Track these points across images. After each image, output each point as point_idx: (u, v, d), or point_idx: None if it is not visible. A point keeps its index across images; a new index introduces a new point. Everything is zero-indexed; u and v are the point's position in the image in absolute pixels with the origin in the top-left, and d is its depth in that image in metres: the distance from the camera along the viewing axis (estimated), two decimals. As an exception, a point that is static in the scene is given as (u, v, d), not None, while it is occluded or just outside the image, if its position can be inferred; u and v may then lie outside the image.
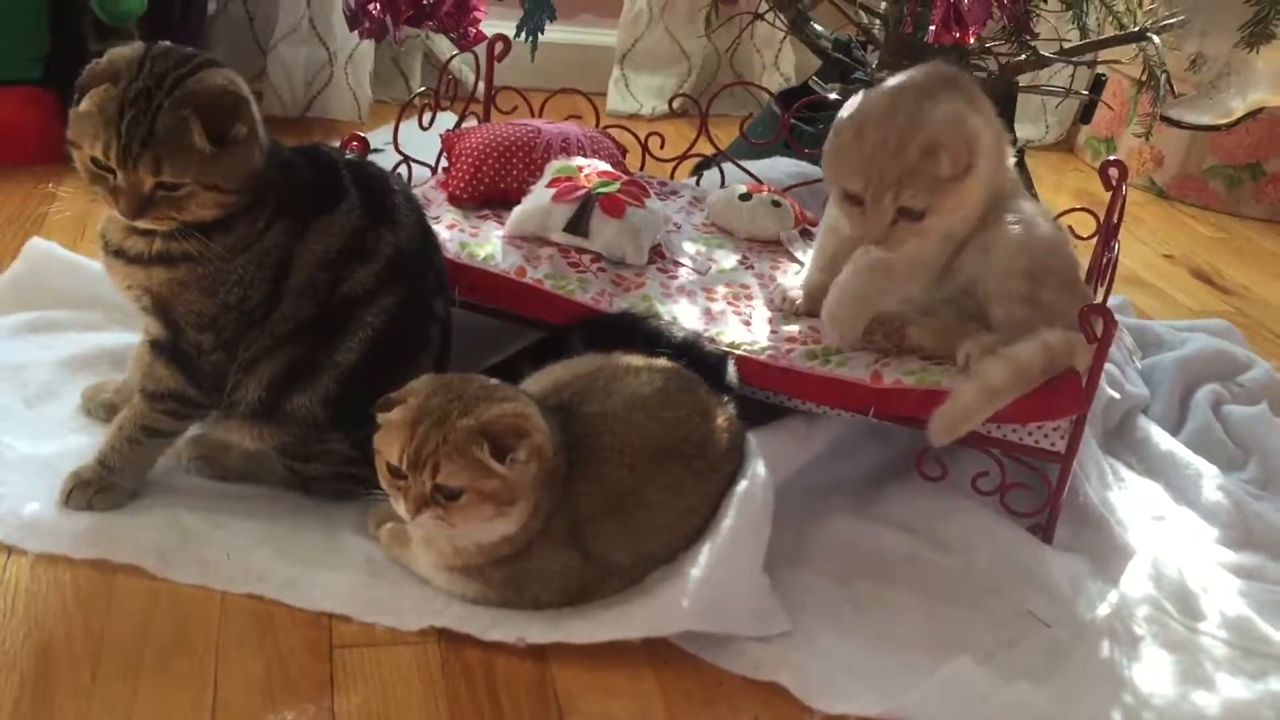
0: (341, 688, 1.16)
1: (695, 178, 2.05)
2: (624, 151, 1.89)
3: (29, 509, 1.31)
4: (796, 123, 2.05)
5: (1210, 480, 1.63)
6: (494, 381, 1.25)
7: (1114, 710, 1.23)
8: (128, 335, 1.61)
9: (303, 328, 1.30)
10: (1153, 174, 2.83)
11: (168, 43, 1.27)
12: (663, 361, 1.41)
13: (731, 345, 1.49)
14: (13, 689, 1.11)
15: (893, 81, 1.27)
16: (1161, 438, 1.71)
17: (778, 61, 3.01)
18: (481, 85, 1.90)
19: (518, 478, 1.19)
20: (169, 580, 1.26)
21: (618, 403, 1.33)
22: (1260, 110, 1.32)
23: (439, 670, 1.20)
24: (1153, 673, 1.30)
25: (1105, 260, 1.58)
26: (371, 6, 1.24)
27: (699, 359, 1.45)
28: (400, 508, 1.20)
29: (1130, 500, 1.59)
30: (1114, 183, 1.65)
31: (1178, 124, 1.36)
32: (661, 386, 1.36)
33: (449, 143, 1.79)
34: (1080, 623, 1.35)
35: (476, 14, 1.27)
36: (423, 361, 1.37)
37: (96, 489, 1.32)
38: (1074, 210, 1.76)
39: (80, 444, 1.42)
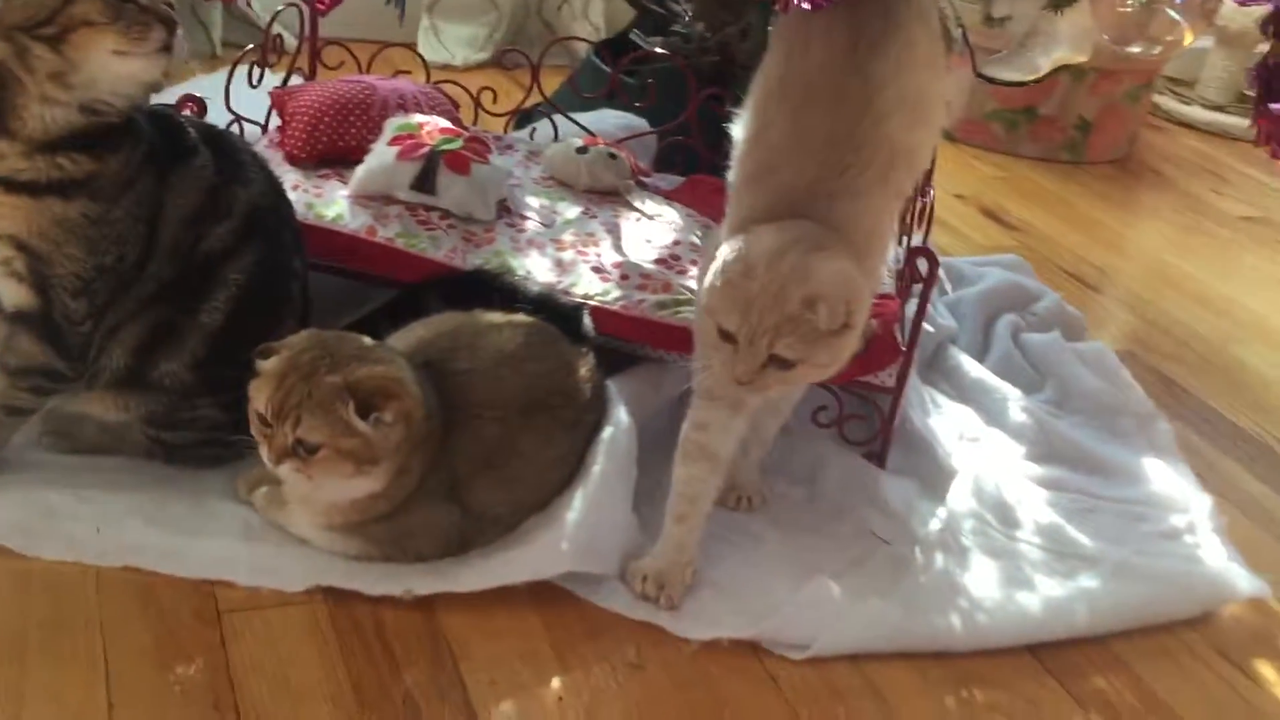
0: (235, 652, 1.18)
1: (525, 130, 2.07)
2: (457, 106, 1.91)
3: (-124, 496, 1.26)
4: (622, 76, 2.11)
5: (1015, 403, 1.79)
6: (371, 343, 1.27)
7: (953, 615, 1.37)
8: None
9: (165, 289, 1.29)
10: (938, 117, 3.02)
11: None
12: (522, 317, 1.45)
13: (585, 297, 1.55)
14: (-111, 681, 1.08)
15: (785, 228, 1.23)
16: (971, 366, 1.86)
17: (587, 11, 3.05)
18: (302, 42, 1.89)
19: (380, 439, 1.21)
20: (38, 558, 1.24)
21: (484, 359, 1.37)
22: (1062, 67, 1.46)
23: (330, 628, 1.23)
24: (981, 579, 1.44)
25: (920, 205, 1.71)
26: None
27: (555, 312, 1.50)
28: (264, 455, 1.21)
29: (947, 424, 1.73)
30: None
31: (991, 80, 1.49)
32: (524, 341, 1.41)
33: (280, 101, 1.77)
34: (916, 538, 1.48)
35: (332, -22, 1.28)
36: (286, 320, 1.37)
37: (-50, 471, 1.28)
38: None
39: (-82, 426, 1.36)
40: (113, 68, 1.21)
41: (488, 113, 1.98)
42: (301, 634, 1.22)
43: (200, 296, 1.30)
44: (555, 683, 1.22)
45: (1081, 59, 1.51)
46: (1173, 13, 1.19)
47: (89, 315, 1.27)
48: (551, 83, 2.09)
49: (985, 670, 1.32)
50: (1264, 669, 1.39)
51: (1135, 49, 1.30)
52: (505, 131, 2.04)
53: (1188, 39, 1.21)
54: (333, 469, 1.20)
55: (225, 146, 1.34)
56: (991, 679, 1.31)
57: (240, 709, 1.12)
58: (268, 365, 1.21)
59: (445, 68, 2.86)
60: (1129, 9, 1.20)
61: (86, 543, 1.26)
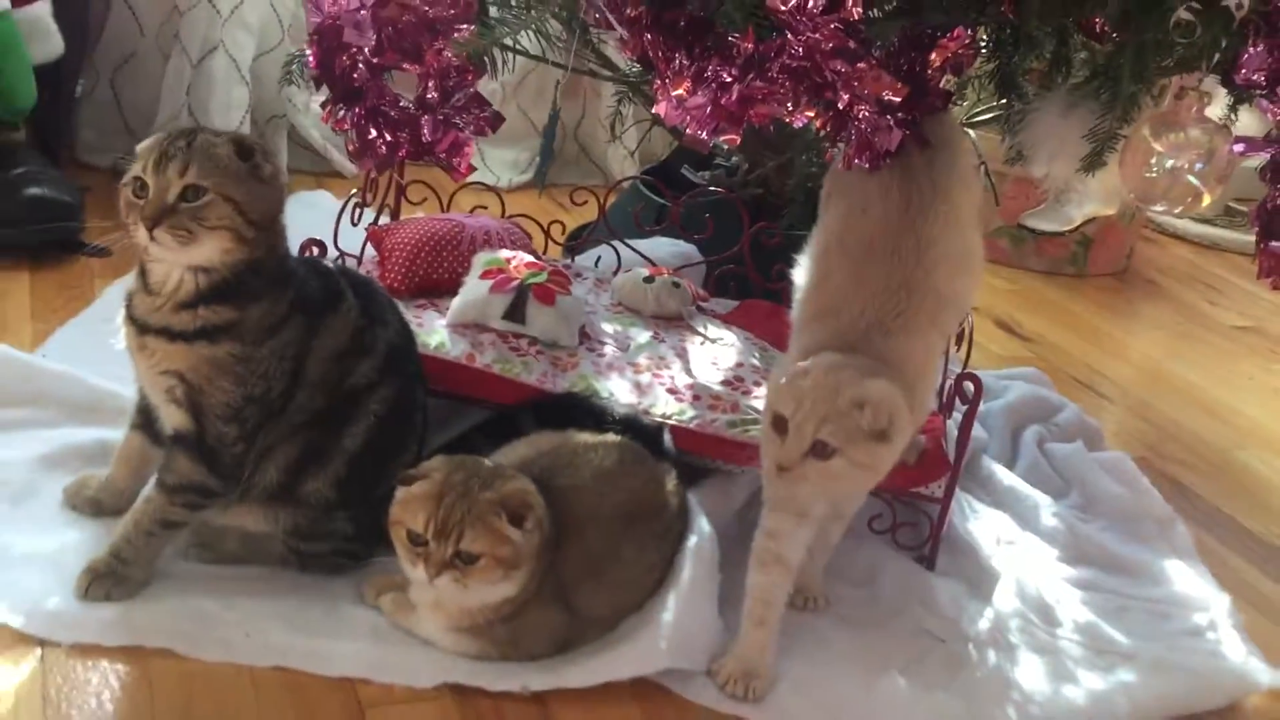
0: (380, 743, 1.32)
1: (587, 256, 2.25)
2: (530, 237, 2.10)
3: (51, 603, 1.40)
4: (657, 201, 2.29)
5: (1045, 509, 1.96)
6: (495, 463, 1.44)
7: (1009, 707, 1.51)
8: (92, 431, 1.71)
9: (315, 417, 1.45)
10: (950, 233, 3.23)
11: None
12: (612, 436, 1.62)
13: (664, 416, 1.72)
14: (85, 771, 1.22)
15: (844, 356, 1.39)
16: (1003, 474, 2.03)
17: (621, 137, 3.26)
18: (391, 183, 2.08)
19: (524, 545, 1.38)
20: (199, 660, 1.38)
21: (584, 476, 1.53)
22: (1093, 218, 1.66)
23: (459, 720, 1.37)
24: (1030, 674, 1.59)
25: (960, 329, 1.89)
26: (378, 144, 1.40)
27: (639, 431, 1.67)
28: (418, 572, 1.36)
29: (985, 528, 1.89)
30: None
31: (1032, 231, 1.68)
32: (618, 459, 1.57)
33: (377, 238, 1.96)
34: (968, 636, 1.64)
35: (467, 149, 1.46)
36: (411, 444, 1.54)
37: (114, 581, 1.42)
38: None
39: (75, 539, 1.52)
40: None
41: (556, 243, 2.17)
42: (435, 727, 1.36)
43: (345, 423, 1.47)
44: (662, 769, 1.36)
45: (1110, 212, 1.71)
46: (1192, 179, 1.38)
47: (240, 438, 1.44)
48: (580, 207, 2.27)
49: (1040, 757, 1.47)
50: (1288, 755, 1.55)
51: (1159, 208, 1.49)
52: (572, 260, 2.23)
53: (1205, 201, 1.40)
54: (487, 577, 1.36)
55: (368, 291, 1.52)
56: (1046, 765, 1.46)
57: (393, 795, 1.26)
58: (417, 489, 1.37)
59: (488, 189, 3.06)
60: (1154, 175, 1.39)
61: (239, 645, 1.40)
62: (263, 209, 1.39)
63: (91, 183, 2.50)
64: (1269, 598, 1.89)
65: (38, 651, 1.36)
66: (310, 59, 1.36)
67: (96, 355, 1.88)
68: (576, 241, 2.37)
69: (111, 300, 2.14)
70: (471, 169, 1.55)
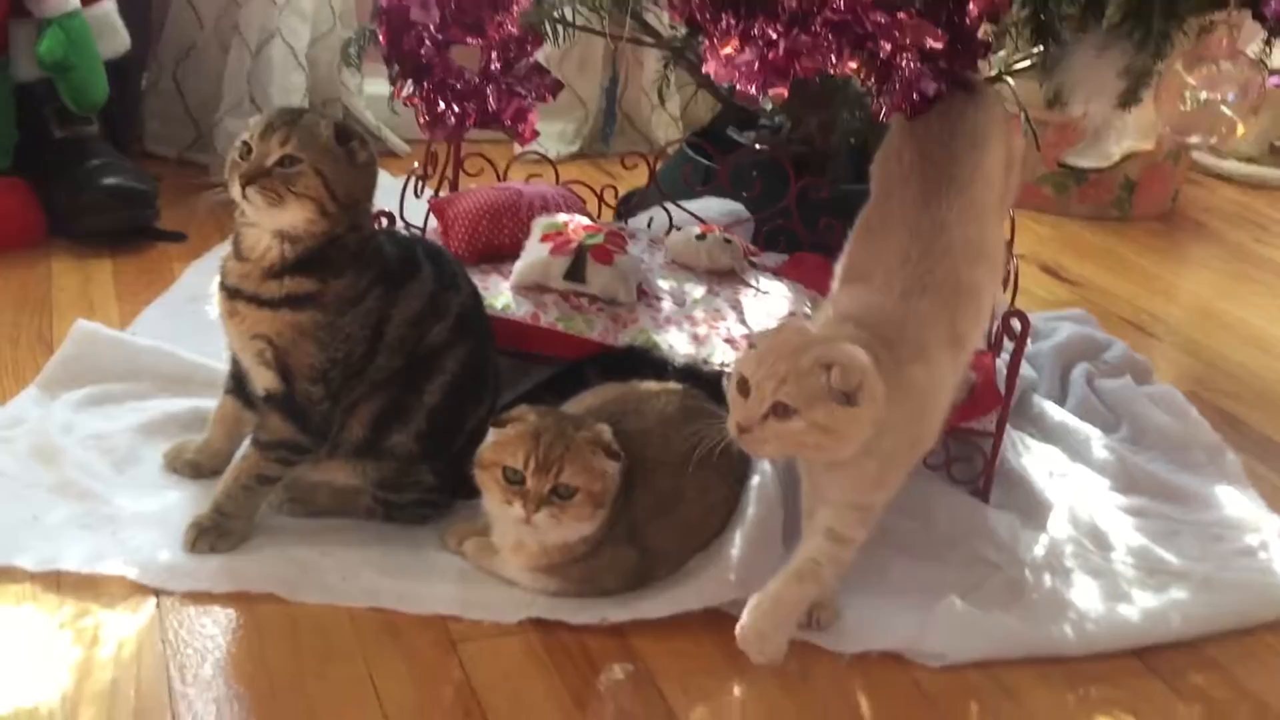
0: (472, 673, 1.41)
1: (640, 218, 2.32)
2: (584, 202, 2.18)
3: (162, 556, 1.51)
4: (708, 163, 2.35)
5: (1096, 441, 2.02)
6: (570, 413, 1.53)
7: (1065, 625, 1.58)
8: (185, 401, 1.82)
9: (396, 375, 1.55)
10: (994, 184, 3.27)
11: None
12: (674, 385, 1.70)
13: (723, 365, 1.79)
14: (209, 708, 1.32)
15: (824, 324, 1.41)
16: (1053, 410, 2.09)
17: (665, 104, 3.33)
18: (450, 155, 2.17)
19: (610, 484, 1.47)
20: (301, 604, 1.48)
21: (650, 421, 1.61)
22: (1133, 155, 1.70)
23: (544, 652, 1.46)
24: (1085, 594, 1.65)
25: (1006, 272, 1.94)
26: (447, 115, 1.48)
27: (700, 380, 1.75)
28: (514, 509, 1.45)
29: (1038, 463, 1.95)
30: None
31: (1073, 169, 1.73)
32: (680, 405, 1.65)
33: (440, 209, 2.05)
34: (1024, 563, 1.70)
35: (531, 116, 1.54)
36: (485, 398, 1.63)
37: (218, 534, 1.53)
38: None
39: (178, 498, 1.63)
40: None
41: (609, 207, 2.24)
42: (522, 657, 1.45)
43: (424, 380, 1.56)
44: (736, 691, 1.45)
45: (1148, 147, 1.76)
46: (1226, 110, 1.43)
47: (325, 397, 1.53)
48: (628, 172, 2.34)
49: (1097, 671, 1.54)
50: (1339, 663, 1.60)
51: (1194, 139, 1.54)
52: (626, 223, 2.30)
53: (1240, 132, 1.44)
54: (579, 512, 1.45)
55: (439, 258, 1.61)
56: (1104, 678, 1.53)
57: (487, 715, 1.35)
58: (513, 431, 1.46)
59: (541, 159, 3.14)
60: (1188, 108, 1.44)
61: (337, 589, 1.50)
62: (349, 188, 1.48)
63: (159, 172, 2.62)
64: (1319, 518, 1.93)
65: (153, 600, 1.47)
66: (380, 38, 1.44)
67: (182, 332, 2.01)
68: (629, 205, 2.45)
69: (190, 282, 2.26)
70: (536, 134, 1.63)
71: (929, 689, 1.48)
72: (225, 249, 1.57)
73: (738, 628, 1.42)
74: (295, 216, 1.47)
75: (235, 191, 1.47)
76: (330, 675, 1.39)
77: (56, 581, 1.47)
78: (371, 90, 3.00)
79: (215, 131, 2.71)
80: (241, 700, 1.34)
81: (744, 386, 1.36)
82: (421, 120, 1.50)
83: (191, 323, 2.05)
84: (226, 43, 2.76)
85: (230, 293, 1.53)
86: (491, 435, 1.48)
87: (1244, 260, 3.15)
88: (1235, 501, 1.90)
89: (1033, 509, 1.82)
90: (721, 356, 1.81)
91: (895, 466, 1.46)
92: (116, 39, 2.44)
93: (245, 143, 1.47)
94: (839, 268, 1.61)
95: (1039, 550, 1.73)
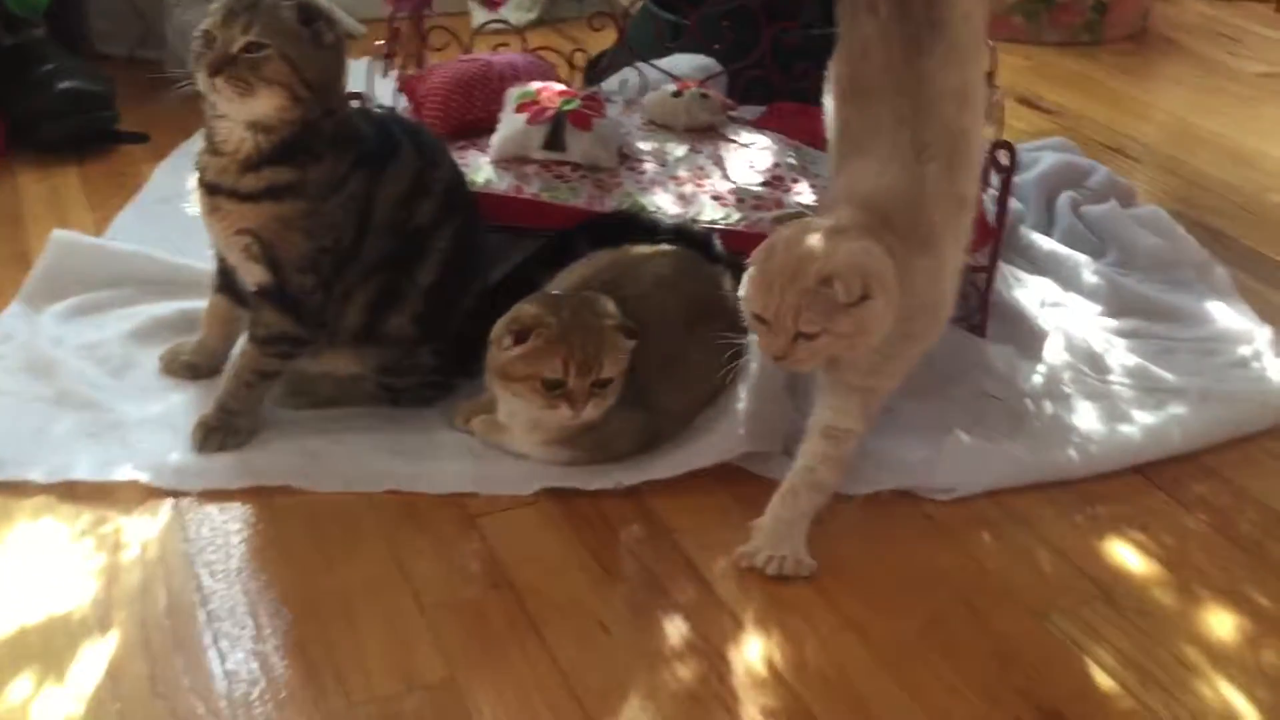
0: (494, 544, 1.43)
1: (614, 81, 2.28)
2: (554, 68, 2.14)
3: (173, 458, 1.51)
4: (676, 19, 2.29)
5: (1086, 268, 2.03)
6: (573, 291, 1.52)
7: (1069, 449, 1.61)
8: (172, 304, 1.80)
9: (386, 259, 1.53)
10: (963, 17, 3.22)
11: None
12: (665, 246, 1.69)
13: (712, 223, 1.78)
14: (242, 600, 1.34)
15: (810, 222, 1.34)
16: (1042, 241, 2.09)
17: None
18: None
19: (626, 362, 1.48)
20: (317, 492, 1.49)
21: (646, 285, 1.61)
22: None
23: (562, 519, 1.48)
24: (1086, 417, 1.68)
25: (992, 100, 1.92)
26: (413, -17, 1.44)
27: (690, 239, 1.73)
28: (559, 412, 1.45)
29: (1030, 294, 1.96)
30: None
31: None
32: (675, 266, 1.65)
33: (410, 86, 2.00)
34: (1024, 392, 1.72)
35: (499, -22, 1.50)
36: (479, 275, 1.62)
37: (226, 432, 1.53)
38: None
39: (181, 400, 1.62)
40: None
41: (579, 70, 2.19)
42: (541, 526, 1.47)
43: (416, 261, 1.55)
44: (755, 541, 1.47)
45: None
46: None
47: (318, 286, 1.52)
48: (594, 34, 2.28)
49: (1103, 491, 1.57)
50: (1335, 462, 1.64)
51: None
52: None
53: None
54: (615, 393, 1.48)
55: (419, 136, 1.58)
56: (1110, 497, 1.57)
57: (515, 585, 1.38)
58: (542, 340, 1.44)
59: (507, 28, 3.06)
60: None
61: (351, 475, 1.51)
62: (319, 72, 1.44)
63: (112, 73, 2.54)
64: (1309, 326, 1.96)
65: (170, 502, 1.47)
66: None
67: (160, 234, 1.98)
68: (598, 68, 2.40)
69: (160, 182, 2.21)
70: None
71: (941, 521, 1.51)
72: (193, 146, 1.54)
73: (744, 551, 1.41)
74: (266, 105, 1.43)
75: (203, 83, 1.43)
76: (356, 559, 1.41)
77: (70, 491, 1.47)
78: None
79: (166, 25, 2.62)
80: (272, 589, 1.36)
81: (760, 318, 1.34)
82: (388, -8, 1.45)
83: (167, 224, 2.02)
84: (168, -69, 2.65)
85: (210, 189, 1.50)
86: (514, 351, 1.46)
87: (1217, 74, 3.12)
88: (1226, 315, 1.92)
89: (1029, 340, 1.83)
90: (710, 214, 1.80)
91: (900, 357, 1.43)
92: (53, -63, 2.35)
93: (207, 31, 1.42)
94: (830, 138, 1.56)
95: (1038, 379, 1.75)
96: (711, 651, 1.30)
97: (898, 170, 1.42)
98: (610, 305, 1.49)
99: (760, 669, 1.28)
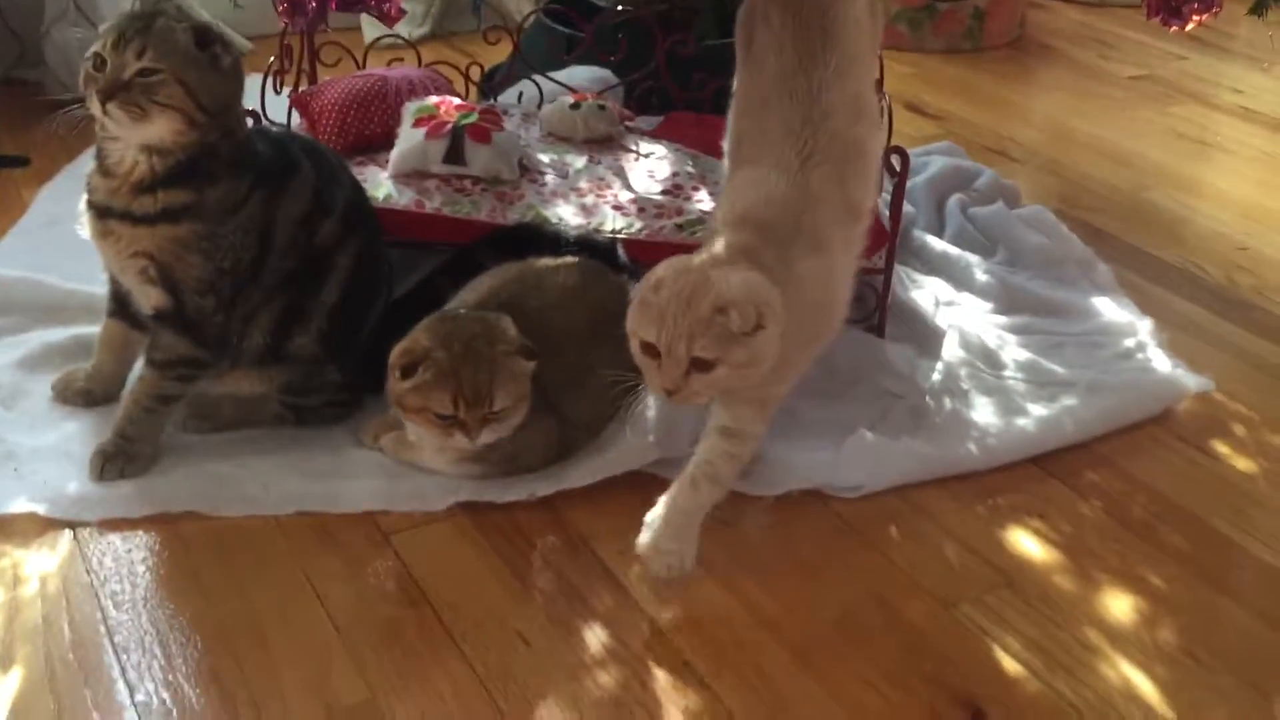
0: (409, 561, 1.42)
1: (509, 94, 2.28)
2: (450, 83, 2.13)
3: (71, 488, 1.47)
4: (571, 32, 2.30)
5: (976, 268, 2.09)
6: (469, 311, 1.52)
7: (969, 443, 1.66)
8: (63, 330, 1.76)
9: (289, 278, 1.51)
10: (849, 26, 3.29)
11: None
12: (569, 257, 1.70)
13: (614, 232, 1.79)
14: (149, 630, 1.31)
15: (695, 254, 1.33)
16: (934, 242, 2.15)
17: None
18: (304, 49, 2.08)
19: (529, 379, 1.49)
20: (226, 517, 1.47)
21: (551, 296, 1.61)
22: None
23: (477, 533, 1.48)
24: (983, 412, 1.73)
25: (880, 107, 1.97)
26: (306, 4, 1.42)
27: (594, 249, 1.75)
28: (456, 441, 1.45)
29: (925, 294, 2.02)
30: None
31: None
32: (579, 277, 1.66)
33: (302, 103, 1.98)
34: (923, 390, 1.77)
35: (400, -3, 1.49)
36: (381, 291, 1.61)
37: (125, 459, 1.49)
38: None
39: (76, 428, 1.58)
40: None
41: (474, 84, 2.19)
42: (456, 541, 1.47)
43: (318, 280, 1.53)
44: (668, 545, 1.48)
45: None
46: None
47: (218, 308, 1.49)
48: (488, 48, 2.27)
49: (1002, 482, 1.62)
50: (1218, 446, 1.72)
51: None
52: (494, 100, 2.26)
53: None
54: (515, 416, 1.48)
55: (318, 154, 1.56)
56: (1008, 488, 1.62)
57: (432, 601, 1.37)
58: (428, 375, 1.43)
59: (397, 45, 3.04)
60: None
61: (259, 499, 1.49)
62: (216, 96, 1.42)
63: (-14, 95, 2.47)
64: (1188, 315, 2.05)
65: (68, 534, 1.43)
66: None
67: (46, 260, 1.92)
68: (493, 82, 2.40)
69: (43, 207, 2.15)
70: (403, 12, 1.58)
71: (850, 518, 1.55)
72: (76, 169, 1.50)
73: (638, 544, 1.40)
74: (162, 129, 1.40)
75: (94, 108, 1.40)
76: (267, 582, 1.38)
77: (-36, 527, 1.43)
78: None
79: (44, 44, 2.55)
80: (181, 618, 1.33)
81: (651, 349, 1.30)
82: (280, 8, 1.44)
83: (54, 249, 1.96)
84: (41, -52, 2.58)
85: (100, 211, 1.46)
86: (404, 384, 1.45)
87: (1092, 78, 3.24)
88: (1110, 309, 2.00)
89: (926, 338, 1.88)
90: (613, 224, 1.81)
91: (793, 361, 1.41)
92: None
93: (98, 54, 1.39)
94: (726, 152, 1.57)
95: (936, 376, 1.79)
96: (631, 657, 1.31)
97: (781, 178, 1.42)
98: (509, 328, 1.47)
99: (680, 672, 1.30)
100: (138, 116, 1.38)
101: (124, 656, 1.27)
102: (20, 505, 1.45)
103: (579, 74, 2.28)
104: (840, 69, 1.51)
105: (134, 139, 1.41)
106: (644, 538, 1.41)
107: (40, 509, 1.45)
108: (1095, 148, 2.75)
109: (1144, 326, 1.94)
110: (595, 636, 1.34)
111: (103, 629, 1.30)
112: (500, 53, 2.29)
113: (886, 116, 1.95)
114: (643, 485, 1.56)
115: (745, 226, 1.37)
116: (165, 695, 1.23)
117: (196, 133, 1.42)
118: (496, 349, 1.45)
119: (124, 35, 1.38)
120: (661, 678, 1.29)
